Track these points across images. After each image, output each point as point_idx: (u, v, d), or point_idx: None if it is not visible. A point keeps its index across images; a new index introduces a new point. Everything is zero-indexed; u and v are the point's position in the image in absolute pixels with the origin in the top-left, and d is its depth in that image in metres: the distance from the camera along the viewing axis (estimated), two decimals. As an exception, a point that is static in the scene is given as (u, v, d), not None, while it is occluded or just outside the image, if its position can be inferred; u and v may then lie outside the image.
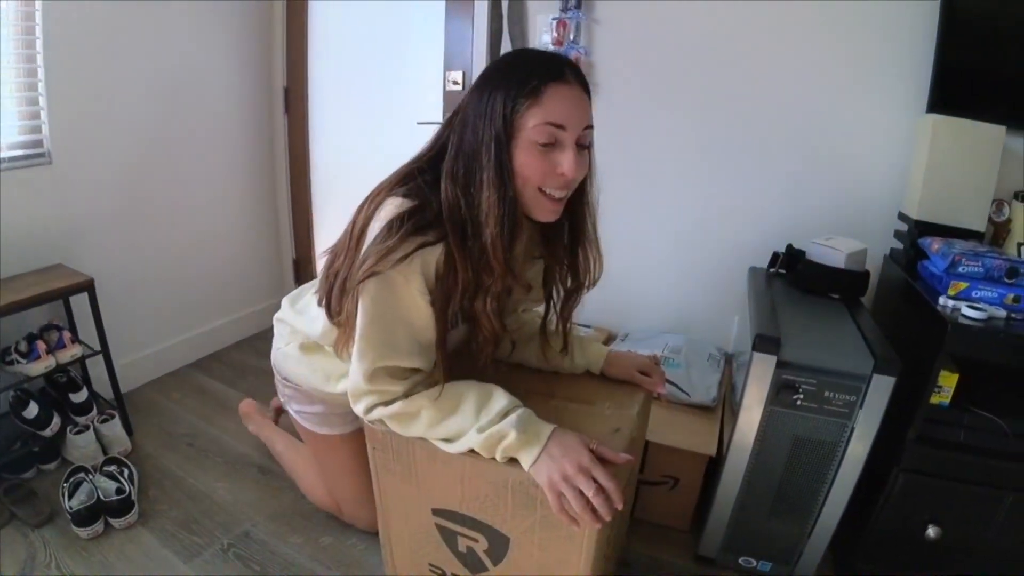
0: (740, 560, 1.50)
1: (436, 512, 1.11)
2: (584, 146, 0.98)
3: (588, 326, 2.13)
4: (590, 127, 0.98)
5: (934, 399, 1.28)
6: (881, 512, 1.38)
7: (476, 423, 0.98)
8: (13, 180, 1.90)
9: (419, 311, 0.98)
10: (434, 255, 0.96)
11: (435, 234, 0.95)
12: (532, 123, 0.92)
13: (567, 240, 1.11)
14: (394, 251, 0.92)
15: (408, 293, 0.96)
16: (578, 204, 1.07)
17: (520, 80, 0.92)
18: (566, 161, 0.94)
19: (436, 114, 2.31)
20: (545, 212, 1.00)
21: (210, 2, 2.38)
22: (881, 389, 1.24)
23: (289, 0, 2.59)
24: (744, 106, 1.79)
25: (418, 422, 1.02)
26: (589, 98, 0.98)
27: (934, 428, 1.30)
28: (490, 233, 0.94)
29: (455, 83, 2.25)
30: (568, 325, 1.21)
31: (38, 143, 1.98)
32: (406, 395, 1.02)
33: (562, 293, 1.17)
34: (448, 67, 2.26)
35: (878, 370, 1.23)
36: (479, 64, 2.13)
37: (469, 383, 1.04)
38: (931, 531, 1.34)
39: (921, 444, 1.30)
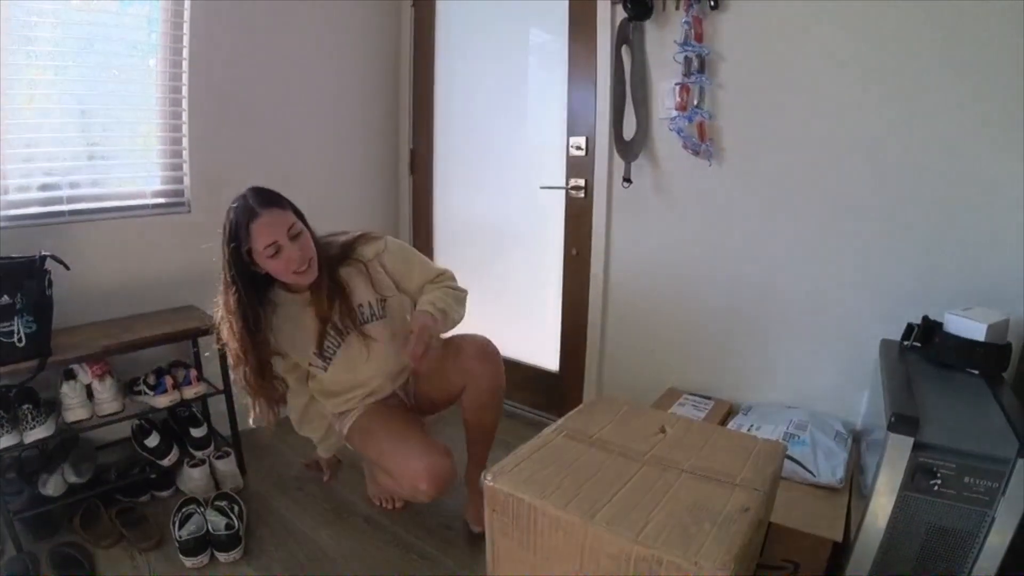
0: (864, 659, 1.37)
1: (551, 581, 1.08)
2: (295, 235, 1.47)
3: (709, 397, 2.05)
4: (292, 224, 1.48)
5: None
6: None
7: None
8: (155, 225, 2.08)
9: None
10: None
11: None
12: (259, 250, 1.45)
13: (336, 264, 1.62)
14: None
15: None
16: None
17: (236, 234, 1.46)
18: (291, 256, 1.47)
19: (559, 179, 2.35)
20: (305, 279, 1.53)
21: (340, 69, 2.56)
22: None
23: (416, 65, 2.74)
24: (872, 169, 1.71)
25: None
26: (282, 205, 1.51)
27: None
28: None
29: (578, 148, 2.26)
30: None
31: (179, 192, 2.16)
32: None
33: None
34: (571, 132, 2.28)
35: (1023, 454, 1.11)
36: (602, 129, 2.15)
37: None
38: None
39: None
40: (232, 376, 1.69)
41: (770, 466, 1.16)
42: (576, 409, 1.41)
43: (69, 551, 1.62)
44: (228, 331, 1.54)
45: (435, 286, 1.69)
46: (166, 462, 1.88)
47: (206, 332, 1.93)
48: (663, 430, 1.30)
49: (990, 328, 1.42)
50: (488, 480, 1.08)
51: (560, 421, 1.34)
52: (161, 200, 2.14)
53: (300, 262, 1.48)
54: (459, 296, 1.70)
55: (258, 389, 1.59)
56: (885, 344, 1.61)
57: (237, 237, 1.46)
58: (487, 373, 1.66)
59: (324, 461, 1.94)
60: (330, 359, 1.63)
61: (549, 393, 2.51)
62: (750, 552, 1.02)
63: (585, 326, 2.34)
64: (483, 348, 1.68)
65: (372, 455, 1.73)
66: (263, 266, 1.49)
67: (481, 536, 1.70)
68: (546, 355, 2.53)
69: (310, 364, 1.64)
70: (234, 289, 1.50)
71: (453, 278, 1.75)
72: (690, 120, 1.90)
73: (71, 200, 1.93)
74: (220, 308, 1.56)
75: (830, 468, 1.56)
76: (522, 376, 2.58)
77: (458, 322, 1.69)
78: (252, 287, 1.53)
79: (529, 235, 2.54)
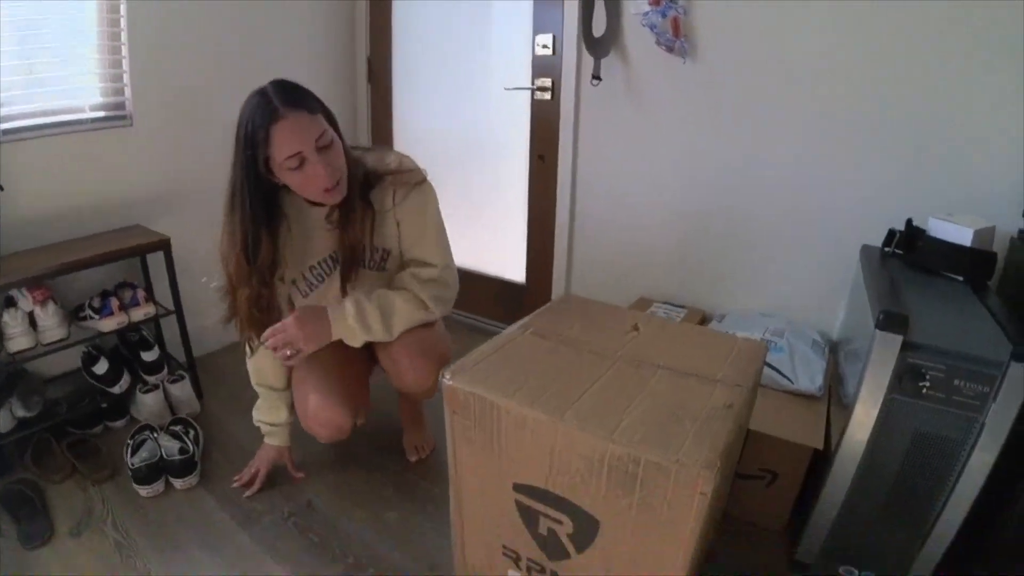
0: (840, 569, 1.34)
1: (518, 488, 1.01)
2: (325, 146, 1.21)
3: (682, 306, 2.01)
4: (323, 132, 1.21)
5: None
6: (1006, 525, 1.21)
7: None
8: (95, 141, 1.92)
9: None
10: None
11: None
12: (279, 160, 1.18)
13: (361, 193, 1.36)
14: None
15: None
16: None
17: (252, 138, 1.18)
18: (318, 171, 1.20)
19: (524, 79, 2.23)
20: (333, 199, 1.28)
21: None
22: (1018, 379, 1.06)
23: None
24: (858, 75, 1.62)
25: None
26: (311, 107, 1.21)
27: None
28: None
29: (545, 47, 2.14)
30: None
31: (120, 105, 1.99)
32: None
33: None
34: (537, 30, 2.16)
35: (1016, 357, 1.06)
36: (570, 26, 2.03)
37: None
38: (1065, 551, 1.16)
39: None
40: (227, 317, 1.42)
41: (752, 364, 1.09)
42: (543, 308, 1.33)
43: (19, 488, 1.54)
44: (228, 250, 1.31)
45: (412, 282, 1.40)
46: (116, 389, 1.80)
47: (153, 248, 1.84)
48: (636, 328, 1.22)
49: (976, 234, 1.37)
50: (447, 379, 1.00)
51: (526, 319, 1.25)
52: (101, 114, 1.97)
53: (328, 179, 1.22)
54: (413, 316, 1.39)
55: (250, 320, 1.36)
56: (866, 250, 1.56)
57: (253, 143, 1.18)
58: (412, 385, 1.45)
59: (281, 454, 1.64)
60: (315, 286, 1.44)
61: (515, 306, 2.46)
62: (733, 453, 0.96)
63: (552, 235, 2.29)
64: (415, 361, 1.42)
65: (295, 379, 1.56)
66: (283, 179, 1.24)
67: (418, 464, 1.72)
68: (512, 266, 2.49)
69: (294, 281, 1.43)
70: (241, 204, 1.25)
71: (445, 286, 1.44)
72: (664, 15, 1.78)
73: (1, 119, 1.75)
74: (223, 223, 1.32)
75: (808, 376, 1.52)
76: (487, 289, 2.54)
77: (391, 336, 1.40)
78: (263, 203, 1.28)
79: (493, 141, 2.43)
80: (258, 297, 1.33)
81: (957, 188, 1.57)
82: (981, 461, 1.13)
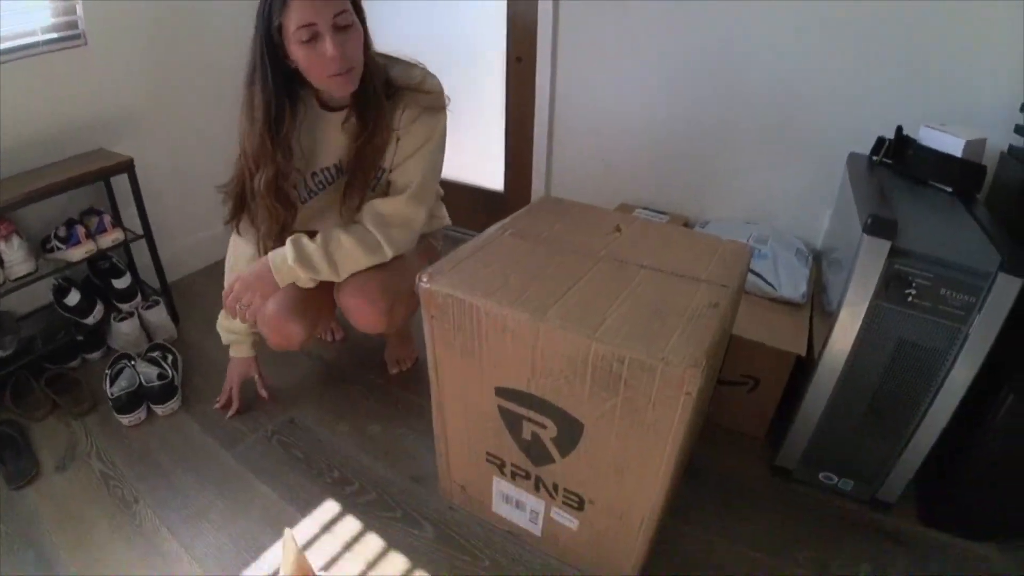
0: (820, 475, 1.37)
1: (500, 392, 1.00)
2: (342, 27, 1.14)
3: (664, 212, 1.98)
4: (343, 11, 1.13)
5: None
6: (985, 437, 1.21)
7: None
8: (49, 64, 1.81)
9: None
10: None
11: None
12: (292, 29, 1.11)
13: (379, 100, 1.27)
14: None
15: None
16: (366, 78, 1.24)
17: (271, 4, 1.12)
18: (328, 51, 1.12)
19: None
20: (341, 88, 1.21)
21: None
22: (1005, 291, 1.05)
23: None
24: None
25: None
26: None
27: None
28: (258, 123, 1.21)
29: None
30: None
31: (72, 24, 1.87)
32: None
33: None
34: None
35: (1005, 269, 1.05)
36: None
37: None
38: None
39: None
40: (228, 217, 1.39)
41: (737, 266, 1.07)
42: (523, 209, 1.29)
43: (0, 428, 1.51)
44: (248, 127, 1.23)
45: (372, 218, 1.31)
46: (90, 320, 1.75)
47: (117, 170, 1.76)
48: (618, 229, 1.19)
49: (968, 144, 1.34)
50: (424, 282, 0.97)
51: (504, 220, 1.21)
52: (53, 35, 1.85)
53: (338, 63, 1.14)
54: (363, 258, 1.31)
55: (271, 212, 1.28)
56: (853, 158, 1.53)
57: (271, 10, 1.12)
58: (364, 329, 1.41)
59: (249, 366, 1.62)
60: (315, 193, 1.37)
61: (494, 214, 2.39)
62: (718, 354, 0.95)
63: (531, 141, 2.24)
64: (362, 306, 1.36)
65: None
66: (292, 54, 1.16)
67: (400, 376, 1.73)
68: (490, 174, 2.45)
69: (294, 186, 1.34)
70: (262, 76, 1.17)
71: (406, 227, 1.34)
72: None
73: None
74: (243, 102, 1.25)
75: (792, 283, 1.51)
76: (464, 198, 2.50)
77: (340, 277, 1.34)
78: (281, 78, 1.19)
79: (467, 43, 2.33)
80: (281, 177, 1.25)
81: (948, 100, 1.53)
82: (963, 372, 1.14)
